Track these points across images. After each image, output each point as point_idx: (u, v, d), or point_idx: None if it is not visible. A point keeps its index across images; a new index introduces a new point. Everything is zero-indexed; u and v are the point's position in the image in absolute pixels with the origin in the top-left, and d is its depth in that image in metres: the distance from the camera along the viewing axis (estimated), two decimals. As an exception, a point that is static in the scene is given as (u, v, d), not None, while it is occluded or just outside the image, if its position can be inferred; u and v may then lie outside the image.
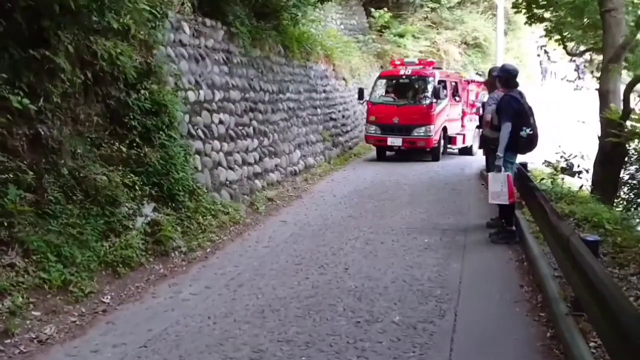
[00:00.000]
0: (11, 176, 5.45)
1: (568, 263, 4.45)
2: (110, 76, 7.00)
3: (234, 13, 10.59)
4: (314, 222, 8.84)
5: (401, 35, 26.19)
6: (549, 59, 17.04)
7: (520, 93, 7.38)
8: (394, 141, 15.98)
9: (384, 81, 17.48)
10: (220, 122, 9.48)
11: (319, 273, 6.35)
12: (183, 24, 8.91)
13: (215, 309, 5.34)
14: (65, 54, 6.02)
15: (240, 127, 10.26)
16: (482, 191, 10.39)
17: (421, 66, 17.44)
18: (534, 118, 7.28)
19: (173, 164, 7.43)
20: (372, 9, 25.93)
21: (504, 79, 7.52)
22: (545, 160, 11.68)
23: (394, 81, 17.23)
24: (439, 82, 16.27)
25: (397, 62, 18.21)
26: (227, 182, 9.22)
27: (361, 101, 17.31)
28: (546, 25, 14.99)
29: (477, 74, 21.05)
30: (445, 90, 16.45)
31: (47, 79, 5.93)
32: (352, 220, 8.95)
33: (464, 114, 18.21)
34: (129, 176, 6.88)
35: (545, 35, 15.71)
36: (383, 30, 26.08)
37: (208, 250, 7.28)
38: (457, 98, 17.76)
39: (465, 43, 29.51)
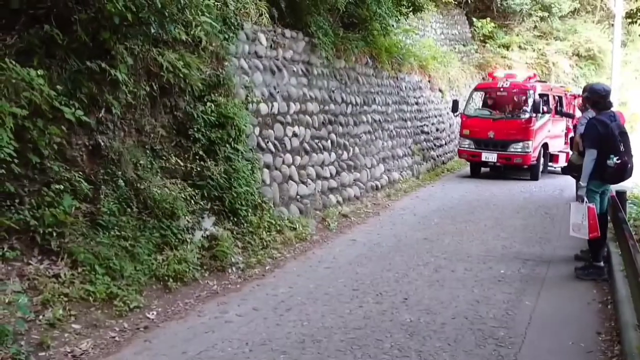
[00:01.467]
0: (68, 186, 5.50)
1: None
2: (178, 88, 6.99)
3: (317, 24, 10.40)
4: (385, 242, 8.39)
5: (506, 46, 25.01)
6: None
7: (612, 116, 6.55)
8: (489, 157, 15.12)
9: (480, 93, 16.71)
10: (295, 134, 9.28)
11: (375, 302, 5.93)
12: (260, 35, 8.81)
13: (256, 335, 5.07)
14: (127, 66, 6.03)
15: (317, 140, 10.02)
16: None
17: (521, 79, 16.41)
18: (627, 144, 6.44)
19: (237, 177, 7.30)
20: (475, 19, 24.95)
21: (592, 100, 6.76)
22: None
23: (491, 93, 16.36)
24: (540, 95, 15.18)
25: (496, 75, 17.18)
26: (298, 197, 8.99)
27: (455, 114, 16.46)
28: (663, 36, 13.65)
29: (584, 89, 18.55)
30: (546, 105, 15.33)
31: (109, 90, 5.97)
32: (426, 243, 8.42)
33: (568, 130, 16.75)
34: (189, 189, 6.81)
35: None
36: (486, 41, 25.03)
37: (267, 268, 7.05)
38: (561, 112, 16.41)
39: (577, 55, 27.73)
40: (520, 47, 25.48)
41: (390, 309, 5.71)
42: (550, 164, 16.40)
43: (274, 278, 6.74)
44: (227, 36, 7.85)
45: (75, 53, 5.61)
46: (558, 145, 16.51)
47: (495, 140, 15.02)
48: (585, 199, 6.49)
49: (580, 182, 6.59)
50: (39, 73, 5.04)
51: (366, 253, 7.85)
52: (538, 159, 15.14)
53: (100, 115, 5.93)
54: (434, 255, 7.73)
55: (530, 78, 16.60)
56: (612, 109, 6.86)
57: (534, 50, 25.73)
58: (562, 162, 16.35)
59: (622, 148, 6.35)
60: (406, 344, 4.87)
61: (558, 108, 16.00)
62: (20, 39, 5.33)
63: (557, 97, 16.50)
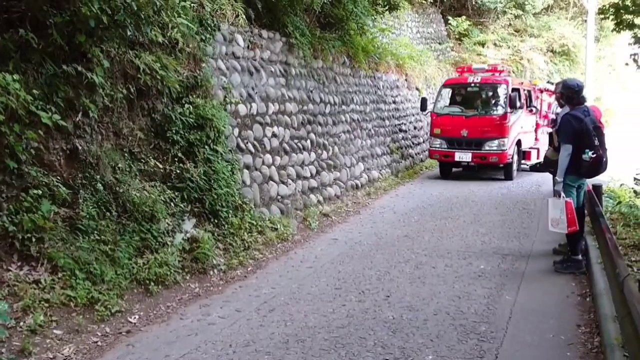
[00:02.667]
0: (46, 190, 5.44)
1: (622, 308, 3.85)
2: (155, 90, 6.95)
3: (293, 24, 10.41)
4: (366, 241, 8.44)
5: (481, 44, 25.26)
6: (638, 67, 15.08)
7: (585, 111, 6.65)
8: (463, 156, 14.48)
9: (449, 90, 15.80)
10: (274, 135, 9.28)
11: (358, 300, 5.96)
12: (237, 36, 8.79)
13: (239, 336, 5.08)
14: (103, 69, 5.98)
15: (296, 140, 10.03)
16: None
17: (491, 73, 15.83)
18: (601, 139, 6.54)
19: (217, 179, 7.28)
20: (450, 17, 25.15)
21: (565, 96, 6.89)
22: (635, 178, 10.74)
23: (461, 90, 15.60)
24: (513, 90, 14.53)
25: (464, 69, 16.60)
26: (279, 197, 8.99)
27: (424, 112, 16.11)
28: (635, 32, 13.79)
29: (548, 82, 18.29)
30: (520, 100, 14.77)
31: (86, 93, 5.92)
32: (407, 240, 8.48)
33: (537, 126, 16.68)
34: (169, 191, 6.79)
35: (635, 43, 14.46)
36: (462, 39, 25.25)
37: (249, 269, 7.05)
38: (532, 108, 16.13)
39: (551, 51, 28.09)
40: (495, 44, 25.77)
41: (372, 307, 5.75)
42: (522, 161, 15.89)
43: (256, 279, 6.74)
44: (203, 37, 7.83)
45: (51, 57, 5.55)
46: (529, 142, 16.17)
47: (468, 138, 14.43)
48: (563, 194, 6.58)
49: (557, 177, 6.68)
50: (14, 78, 4.98)
51: (348, 252, 7.88)
52: (513, 157, 14.70)
53: (78, 119, 5.87)
54: (415, 252, 7.79)
55: (499, 71, 15.97)
56: (587, 103, 6.95)
57: (509, 47, 26.01)
58: (534, 159, 16.03)
59: (596, 142, 6.44)
60: (389, 341, 4.91)
61: (528, 103, 15.79)
62: (-5, 44, 5.26)
63: (526, 92, 15.98)
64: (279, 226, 8.37)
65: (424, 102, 15.65)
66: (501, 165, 14.52)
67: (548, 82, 17.40)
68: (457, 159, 14.58)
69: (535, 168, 15.46)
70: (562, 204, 6.48)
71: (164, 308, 5.77)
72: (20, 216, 5.13)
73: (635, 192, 9.50)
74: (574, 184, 6.77)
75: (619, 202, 9.10)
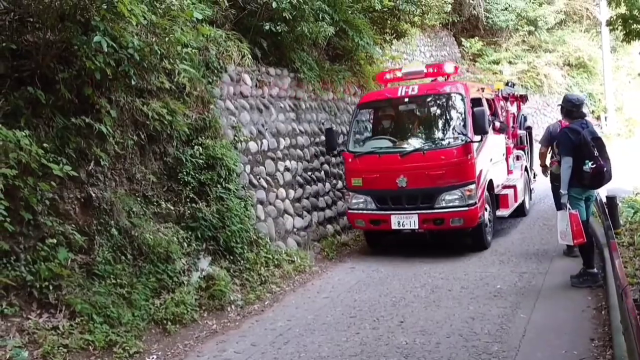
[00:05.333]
0: (62, 239, 5.66)
1: (624, 320, 3.85)
2: (165, 134, 7.19)
3: (301, 59, 10.64)
4: (384, 268, 8.46)
5: (496, 62, 25.30)
6: None
7: (583, 124, 6.76)
8: (403, 221, 8.76)
9: (369, 112, 10.16)
10: (287, 169, 9.44)
11: (372, 327, 6.00)
12: (244, 75, 9.04)
13: (253, 370, 5.16)
14: (112, 118, 6.24)
15: (310, 172, 10.17)
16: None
17: (434, 78, 10.34)
18: (602, 149, 6.62)
19: (230, 216, 7.43)
20: (463, 39, 25.30)
21: (565, 110, 7.03)
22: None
23: (387, 110, 9.99)
24: (475, 102, 9.18)
25: (389, 76, 10.53)
26: (294, 230, 9.11)
27: (333, 153, 10.48)
28: (644, 41, 13.73)
29: (507, 84, 12.87)
30: (486, 117, 9.05)
31: (97, 143, 6.17)
32: (424, 265, 8.48)
33: (508, 151, 11.32)
34: (182, 232, 6.96)
35: (646, 51, 14.43)
36: (476, 59, 25.34)
37: (266, 303, 7.14)
38: (500, 126, 10.57)
39: (568, 64, 27.97)
40: (510, 62, 25.76)
41: (386, 334, 5.78)
42: (498, 211, 10.04)
43: (272, 312, 6.82)
44: (210, 80, 8.09)
45: (61, 110, 5.83)
46: (502, 177, 10.68)
47: (410, 190, 8.71)
48: (568, 206, 6.61)
49: (561, 191, 6.72)
50: (25, 133, 5.24)
51: (365, 279, 7.93)
52: (484, 212, 9.00)
53: (90, 168, 6.11)
54: (432, 277, 7.80)
55: (447, 74, 10.16)
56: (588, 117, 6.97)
57: (524, 64, 25.96)
58: (512, 204, 10.48)
59: (596, 153, 6.53)
60: (400, 367, 4.95)
61: (495, 119, 10.54)
62: (7, 102, 5.55)
63: (489, 101, 10.64)
64: (296, 258, 8.46)
65: (330, 135, 9.78)
66: (469, 229, 8.85)
67: (508, 84, 12.65)
68: (394, 225, 8.85)
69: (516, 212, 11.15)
70: (568, 216, 6.49)
71: (182, 347, 5.87)
72: (38, 265, 5.34)
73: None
74: (580, 196, 6.78)
75: (636, 212, 8.98)
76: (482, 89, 10.35)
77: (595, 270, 6.87)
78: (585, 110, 7.03)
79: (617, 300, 5.43)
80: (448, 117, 9.25)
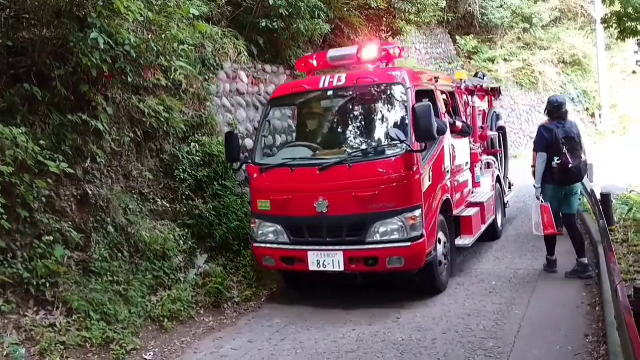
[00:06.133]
0: (58, 236, 5.66)
1: (618, 315, 3.88)
2: (161, 131, 7.19)
3: (297, 56, 10.61)
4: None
5: (491, 60, 25.32)
6: None
7: (559, 124, 7.07)
8: (325, 260, 6.44)
9: (282, 111, 8.38)
10: (283, 166, 9.38)
11: (368, 323, 6.01)
12: (240, 72, 9.04)
13: (250, 366, 5.18)
14: (108, 115, 6.24)
15: (306, 169, 10.12)
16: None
17: (370, 65, 7.47)
18: (572, 147, 6.92)
19: (227, 213, 7.45)
20: (458, 36, 25.33)
21: (547, 109, 7.36)
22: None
23: (305, 107, 7.75)
24: (421, 94, 6.79)
25: (314, 62, 7.70)
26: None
27: (236, 166, 7.49)
28: (638, 39, 13.80)
29: (475, 74, 11.22)
30: (438, 116, 7.08)
31: (93, 140, 6.17)
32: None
33: (474, 158, 8.88)
34: (179, 229, 6.97)
35: (640, 49, 14.50)
36: (472, 57, 25.36)
37: (263, 300, 7.16)
38: (462, 126, 8.20)
39: (562, 62, 27.99)
40: (505, 59, 25.77)
41: (382, 330, 5.81)
42: (459, 239, 7.61)
43: (269, 309, 6.84)
44: (206, 77, 8.10)
45: (57, 107, 5.83)
46: (463, 194, 8.19)
47: (332, 217, 6.39)
48: (541, 198, 7.02)
49: (534, 184, 7.14)
50: (21, 130, 5.24)
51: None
52: (436, 245, 6.68)
53: (86, 165, 6.12)
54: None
55: (386, 58, 7.42)
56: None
57: (519, 61, 25.99)
58: (478, 229, 8.06)
59: (564, 150, 6.88)
60: (397, 363, 4.97)
61: (452, 116, 8.16)
62: (3, 99, 5.54)
63: (447, 94, 8.24)
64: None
65: (230, 142, 7.01)
66: (413, 270, 6.53)
67: (477, 74, 10.95)
68: (312, 266, 6.51)
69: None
70: (540, 208, 6.98)
71: (178, 343, 5.88)
72: (35, 262, 5.34)
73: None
74: (554, 192, 7.09)
75: (630, 209, 9.04)
76: (436, 79, 7.65)
77: (585, 260, 7.06)
78: (567, 110, 7.28)
79: (611, 296, 5.49)
80: (384, 116, 6.86)
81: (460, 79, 9.12)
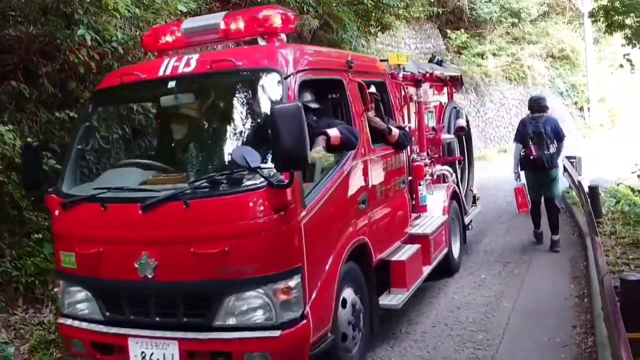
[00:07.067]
0: (47, 234, 5.63)
1: (605, 306, 3.93)
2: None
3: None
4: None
5: (480, 55, 25.40)
6: (632, 67, 14.95)
7: (532, 119, 8.07)
8: (152, 354, 3.89)
9: (110, 112, 5.77)
10: (272, 162, 9.31)
11: (358, 318, 6.04)
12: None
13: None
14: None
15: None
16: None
17: (240, 41, 5.55)
18: (540, 141, 7.83)
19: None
20: (448, 31, 25.39)
21: (529, 106, 8.48)
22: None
23: (141, 106, 6.53)
24: (310, 86, 4.57)
25: (168, 38, 4.91)
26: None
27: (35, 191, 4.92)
28: (625, 33, 13.82)
29: (431, 59, 9.06)
30: (351, 117, 4.82)
31: (82, 137, 6.13)
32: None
33: (416, 172, 6.48)
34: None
35: (628, 44, 14.48)
36: (461, 51, 25.43)
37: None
38: (391, 130, 5.56)
39: (551, 56, 28.14)
40: (494, 54, 25.87)
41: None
42: (386, 297, 5.29)
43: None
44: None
45: (45, 105, 5.81)
46: (393, 229, 5.67)
47: (161, 285, 3.91)
48: (518, 182, 8.21)
49: (513, 170, 8.25)
50: (9, 128, 5.22)
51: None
52: (333, 328, 4.22)
53: (75, 162, 6.07)
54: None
55: (266, 31, 4.55)
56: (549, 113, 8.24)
57: (508, 56, 26.11)
58: (418, 277, 5.83)
59: (530, 143, 7.88)
60: (387, 356, 5.00)
61: (380, 117, 5.67)
62: (-10, 97, 5.52)
63: (370, 87, 5.36)
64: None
65: (28, 159, 4.56)
66: None
67: (433, 59, 8.94)
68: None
69: None
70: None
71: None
72: (24, 261, 5.34)
73: (632, 189, 9.51)
74: (532, 177, 8.19)
75: (618, 202, 9.13)
76: (349, 64, 4.95)
77: (556, 237, 8.10)
78: (545, 105, 8.18)
79: (598, 288, 5.55)
80: (249, 122, 4.37)
81: (398, 65, 6.46)
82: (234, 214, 3.74)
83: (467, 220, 8.23)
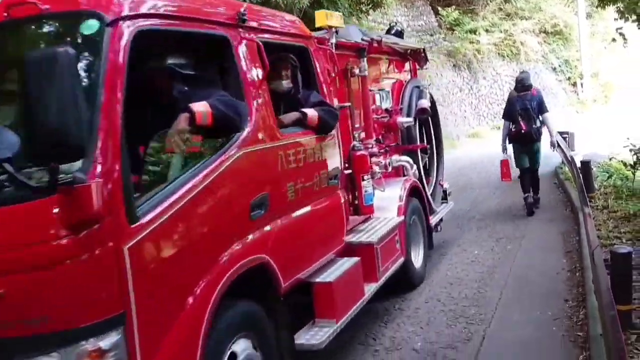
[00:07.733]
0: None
1: (595, 279, 3.95)
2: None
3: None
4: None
5: (473, 31, 25.27)
6: (625, 41, 14.87)
7: (519, 97, 8.64)
8: None
9: None
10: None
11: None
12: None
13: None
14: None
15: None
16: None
17: None
18: (528, 116, 8.47)
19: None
20: (440, 7, 25.22)
21: (515, 85, 9.05)
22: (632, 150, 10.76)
23: None
24: (158, 40, 3.20)
25: None
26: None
27: None
28: (618, 7, 13.71)
29: (389, 30, 7.44)
30: (240, 89, 3.48)
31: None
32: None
33: (358, 164, 5.17)
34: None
35: (620, 18, 14.38)
36: (454, 28, 25.28)
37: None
38: (323, 114, 4.22)
39: (544, 32, 28.05)
40: (487, 30, 25.73)
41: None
42: (305, 334, 3.89)
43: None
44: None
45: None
46: (325, 239, 4.40)
47: None
48: (504, 154, 8.87)
49: (502, 143, 8.84)
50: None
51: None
52: None
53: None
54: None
55: None
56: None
57: (500, 32, 25.99)
58: (355, 300, 4.45)
59: (519, 119, 8.52)
60: (381, 332, 5.03)
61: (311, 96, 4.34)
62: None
63: (280, 52, 4.18)
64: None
65: None
66: None
67: (392, 30, 7.38)
68: None
69: None
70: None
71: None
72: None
73: (624, 164, 9.52)
74: (519, 150, 8.78)
75: (610, 176, 9.15)
76: (241, 16, 3.58)
77: (537, 196, 9.06)
78: (530, 84, 8.77)
79: (589, 262, 5.58)
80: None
81: (330, 27, 5.06)
82: (10, 235, 2.39)
83: (434, 220, 6.84)
